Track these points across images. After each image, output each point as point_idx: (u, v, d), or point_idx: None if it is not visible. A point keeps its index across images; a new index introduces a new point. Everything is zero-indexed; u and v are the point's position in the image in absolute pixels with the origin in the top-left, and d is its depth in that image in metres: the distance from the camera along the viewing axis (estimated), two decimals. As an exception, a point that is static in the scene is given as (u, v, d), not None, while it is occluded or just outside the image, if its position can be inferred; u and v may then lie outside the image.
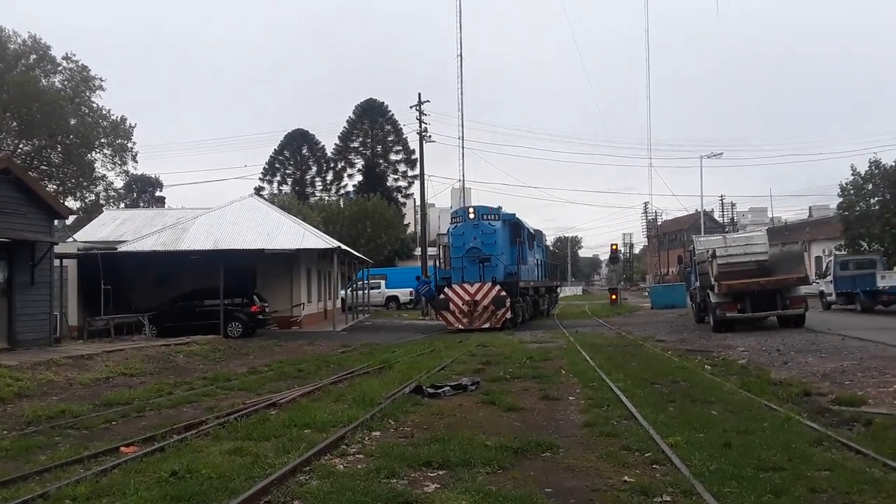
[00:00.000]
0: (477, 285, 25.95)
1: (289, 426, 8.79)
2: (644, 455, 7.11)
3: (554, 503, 5.67)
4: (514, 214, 29.09)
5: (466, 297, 25.91)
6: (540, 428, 8.72)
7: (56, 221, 19.87)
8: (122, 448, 7.97)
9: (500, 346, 19.08)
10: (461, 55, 74.41)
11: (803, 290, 22.01)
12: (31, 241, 16.42)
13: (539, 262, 34.64)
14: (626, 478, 6.36)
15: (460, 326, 25.93)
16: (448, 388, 11.41)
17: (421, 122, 38.76)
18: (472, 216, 27.30)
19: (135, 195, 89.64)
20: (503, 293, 25.80)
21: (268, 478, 6.31)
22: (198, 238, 25.81)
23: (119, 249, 24.79)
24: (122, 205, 66.54)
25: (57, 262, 22.03)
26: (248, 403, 10.54)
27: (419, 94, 39.58)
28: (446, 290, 26.48)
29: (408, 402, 10.31)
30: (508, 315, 26.07)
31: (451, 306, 26.14)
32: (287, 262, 27.30)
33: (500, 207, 28.43)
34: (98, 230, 30.44)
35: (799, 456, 6.88)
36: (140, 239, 25.99)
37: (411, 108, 39.38)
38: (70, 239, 29.04)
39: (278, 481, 6.26)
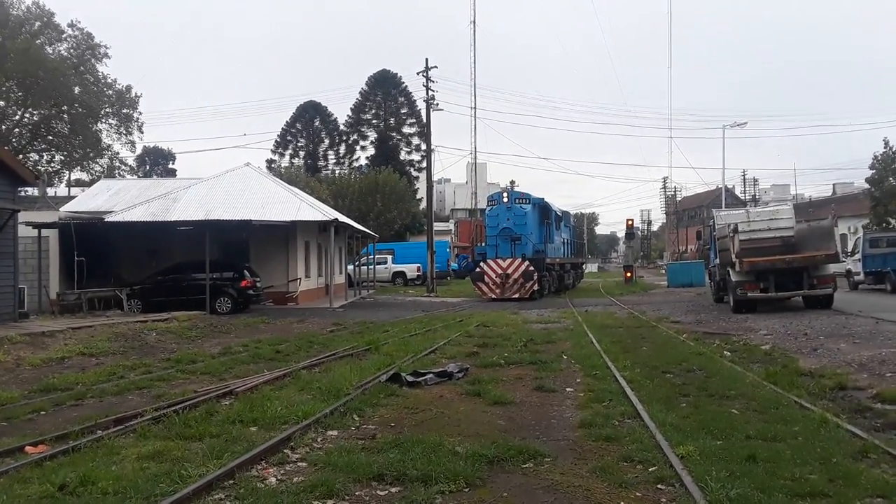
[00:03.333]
0: (509, 261, 29.50)
1: (233, 422, 7.54)
2: (647, 470, 5.75)
3: (524, 544, 4.33)
4: (543, 198, 32.71)
5: (499, 271, 29.53)
6: (526, 428, 7.39)
7: (35, 189, 18.48)
8: (28, 448, 6.74)
9: (501, 327, 17.74)
10: (475, 21, 72.57)
11: (832, 268, 20.40)
12: (-12, 208, 15.21)
13: (565, 240, 38.16)
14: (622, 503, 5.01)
15: (493, 296, 29.52)
16: (431, 375, 10.10)
17: (428, 88, 37.06)
18: (505, 200, 30.83)
19: (147, 167, 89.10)
20: (531, 268, 29.23)
21: (173, 495, 5.05)
22: (188, 208, 24.50)
23: (105, 220, 23.56)
24: (136, 177, 65.56)
25: (35, 233, 21.02)
26: (201, 392, 9.28)
27: (426, 60, 37.82)
28: (482, 264, 30.38)
29: (381, 393, 9.02)
30: (536, 287, 29.38)
31: (486, 279, 29.87)
32: (283, 235, 26.01)
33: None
34: (90, 200, 29.25)
35: (842, 475, 5.49)
36: (128, 209, 24.69)
37: (418, 73, 37.64)
38: (62, 209, 27.96)
39: (182, 502, 4.98)
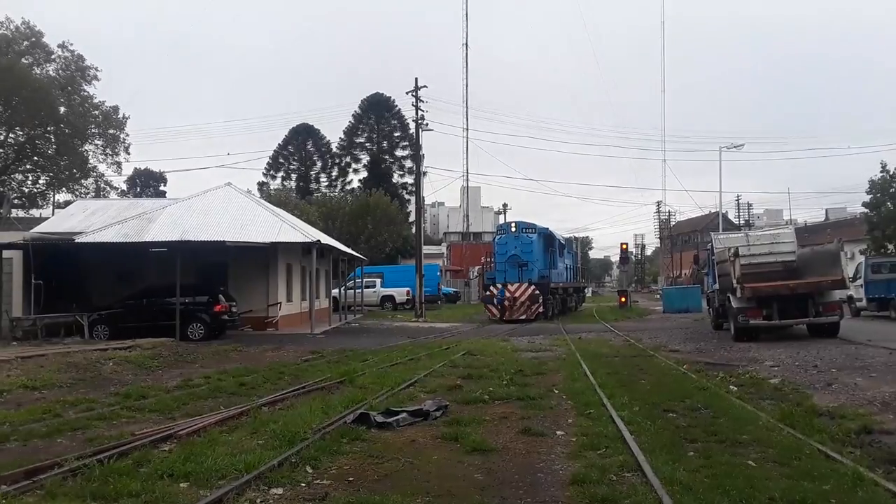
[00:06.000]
0: (516, 285, 31.89)
1: (163, 476, 6.38)
2: (654, 549, 4.62)
3: None
4: (548, 228, 35.58)
5: (507, 294, 31.91)
6: (508, 484, 6.26)
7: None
8: None
9: (489, 356, 16.61)
10: (466, 44, 72.21)
11: (837, 294, 19.39)
12: (-70, 226, 14.08)
13: (568, 266, 40.82)
14: None
15: (502, 317, 31.67)
16: (405, 414, 8.96)
17: (417, 108, 36.22)
18: (513, 230, 33.97)
19: (138, 189, 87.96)
20: (537, 292, 31.73)
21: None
22: (163, 229, 23.30)
23: (74, 240, 22.38)
24: (126, 199, 64.41)
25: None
26: (139, 434, 8.11)
27: (416, 79, 37.07)
28: (491, 288, 33.12)
29: (345, 437, 7.89)
30: (540, 310, 31.73)
31: (495, 301, 32.28)
32: (264, 258, 24.84)
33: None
34: (64, 221, 28.05)
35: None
36: (100, 230, 23.47)
37: (408, 93, 36.81)
38: (34, 230, 26.81)
39: None
